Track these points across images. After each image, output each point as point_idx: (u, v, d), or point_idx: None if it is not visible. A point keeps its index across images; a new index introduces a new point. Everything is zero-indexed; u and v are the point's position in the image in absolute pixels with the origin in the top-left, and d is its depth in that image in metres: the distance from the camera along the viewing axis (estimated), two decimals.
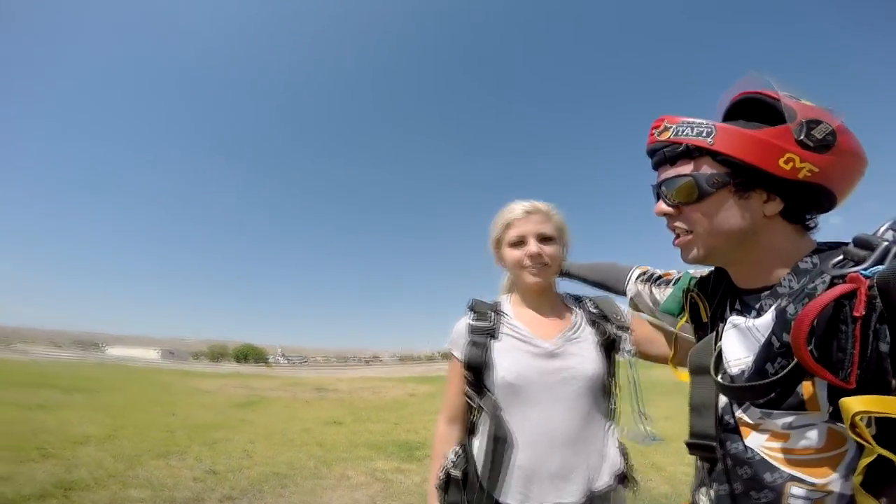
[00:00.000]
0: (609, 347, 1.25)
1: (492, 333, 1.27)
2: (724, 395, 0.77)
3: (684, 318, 0.97)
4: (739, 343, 0.75)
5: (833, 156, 0.68)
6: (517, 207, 1.29)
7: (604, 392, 1.24)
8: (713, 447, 0.79)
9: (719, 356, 0.79)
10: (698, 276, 0.99)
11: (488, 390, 1.22)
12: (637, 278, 1.22)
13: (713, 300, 0.89)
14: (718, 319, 0.86)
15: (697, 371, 0.84)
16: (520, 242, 1.27)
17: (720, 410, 0.80)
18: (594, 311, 1.32)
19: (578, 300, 1.39)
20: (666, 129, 0.78)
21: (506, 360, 1.21)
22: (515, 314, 1.32)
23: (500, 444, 1.15)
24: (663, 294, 1.11)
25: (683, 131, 0.76)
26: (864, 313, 0.56)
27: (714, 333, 0.84)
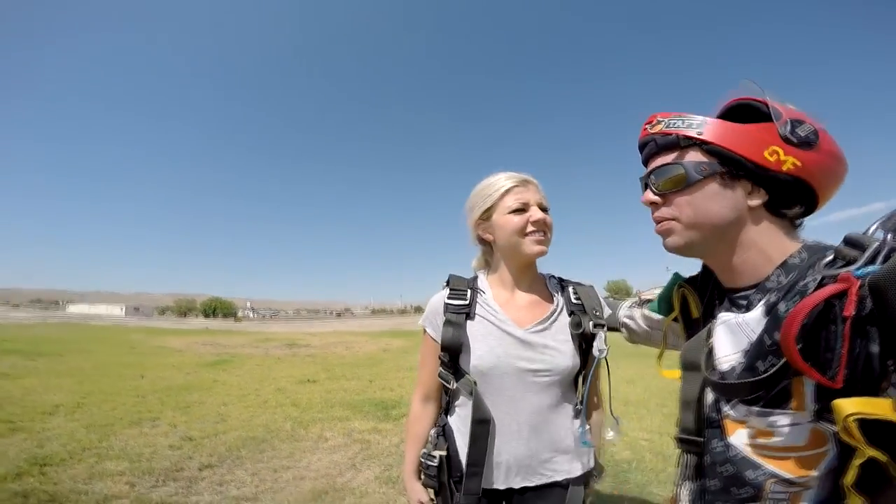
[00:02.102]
0: (585, 341, 1.23)
1: (468, 313, 1.24)
2: (713, 391, 0.79)
3: (674, 314, 0.98)
4: (729, 339, 0.76)
5: (815, 153, 0.71)
6: (514, 175, 1.25)
7: (574, 385, 1.27)
8: (700, 442, 0.82)
9: (710, 353, 0.80)
10: (688, 276, 1.01)
11: (466, 372, 1.21)
12: (629, 306, 1.23)
13: (703, 297, 0.91)
14: (709, 316, 0.86)
15: (689, 367, 0.86)
16: (521, 210, 1.21)
17: (707, 407, 0.82)
18: (576, 301, 1.28)
19: (562, 286, 1.35)
20: (658, 122, 0.82)
21: (480, 345, 1.20)
22: (493, 294, 1.28)
23: (482, 426, 1.16)
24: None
25: (675, 123, 0.79)
26: (853, 313, 0.56)
27: (706, 330, 0.84)
